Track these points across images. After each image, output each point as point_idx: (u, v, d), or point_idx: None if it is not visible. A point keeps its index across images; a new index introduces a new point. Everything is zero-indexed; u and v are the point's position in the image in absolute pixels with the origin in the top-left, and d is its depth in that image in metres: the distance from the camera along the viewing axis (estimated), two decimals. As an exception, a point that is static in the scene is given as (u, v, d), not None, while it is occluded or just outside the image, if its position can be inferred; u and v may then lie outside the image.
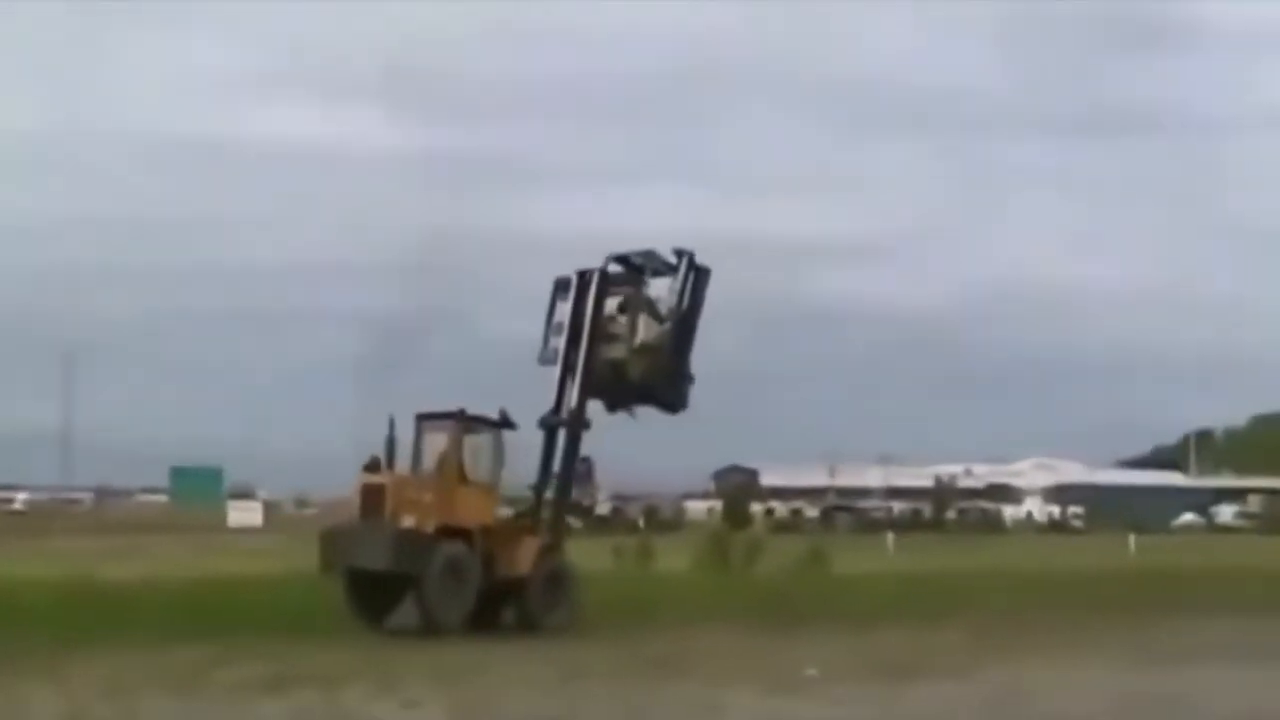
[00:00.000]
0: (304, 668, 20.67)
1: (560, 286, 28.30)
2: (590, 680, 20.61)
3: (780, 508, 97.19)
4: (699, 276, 28.20)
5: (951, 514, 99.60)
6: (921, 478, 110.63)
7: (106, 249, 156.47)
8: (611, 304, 28.02)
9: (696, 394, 28.53)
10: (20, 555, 43.54)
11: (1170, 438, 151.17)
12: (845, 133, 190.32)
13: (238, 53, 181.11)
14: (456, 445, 26.78)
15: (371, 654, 22.73)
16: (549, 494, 27.87)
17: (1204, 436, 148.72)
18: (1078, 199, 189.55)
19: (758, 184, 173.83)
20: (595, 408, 28.02)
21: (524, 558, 26.72)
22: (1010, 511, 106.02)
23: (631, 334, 27.87)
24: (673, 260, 28.14)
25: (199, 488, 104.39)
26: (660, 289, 28.41)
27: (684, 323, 28.15)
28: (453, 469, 26.65)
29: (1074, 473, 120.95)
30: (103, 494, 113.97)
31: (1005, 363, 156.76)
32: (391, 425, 26.71)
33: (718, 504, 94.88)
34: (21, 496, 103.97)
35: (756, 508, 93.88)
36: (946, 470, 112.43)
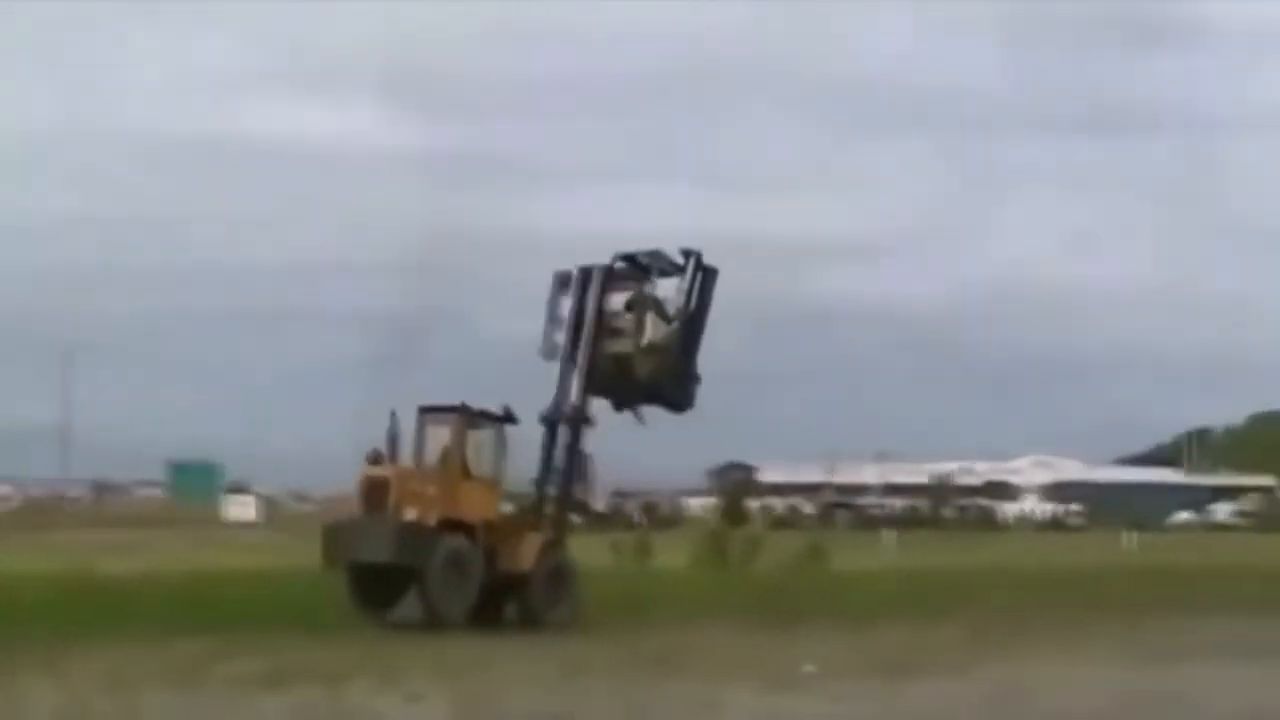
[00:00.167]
0: (305, 662, 20.69)
1: (561, 280, 28.33)
2: (591, 676, 20.64)
3: (778, 504, 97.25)
4: (706, 277, 28.25)
5: (950, 511, 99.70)
6: (919, 475, 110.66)
7: (105, 248, 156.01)
8: (617, 300, 28.08)
9: (697, 391, 28.59)
10: (18, 549, 43.57)
11: (1168, 436, 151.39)
12: (844, 132, 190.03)
13: (237, 51, 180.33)
14: (459, 439, 26.83)
15: (373, 648, 22.74)
16: (551, 489, 27.88)
17: (1202, 435, 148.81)
18: (1077, 198, 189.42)
19: (757, 183, 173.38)
20: (599, 404, 28.06)
21: (526, 553, 26.74)
22: (1008, 509, 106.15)
23: (639, 332, 27.91)
24: (680, 260, 28.18)
25: (196, 483, 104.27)
26: (666, 288, 28.47)
27: (692, 322, 28.20)
28: (455, 463, 26.70)
29: (1072, 470, 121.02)
30: (100, 489, 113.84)
31: (1004, 361, 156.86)
32: (394, 418, 26.76)
33: (716, 501, 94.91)
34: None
35: (755, 505, 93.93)
36: (945, 468, 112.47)
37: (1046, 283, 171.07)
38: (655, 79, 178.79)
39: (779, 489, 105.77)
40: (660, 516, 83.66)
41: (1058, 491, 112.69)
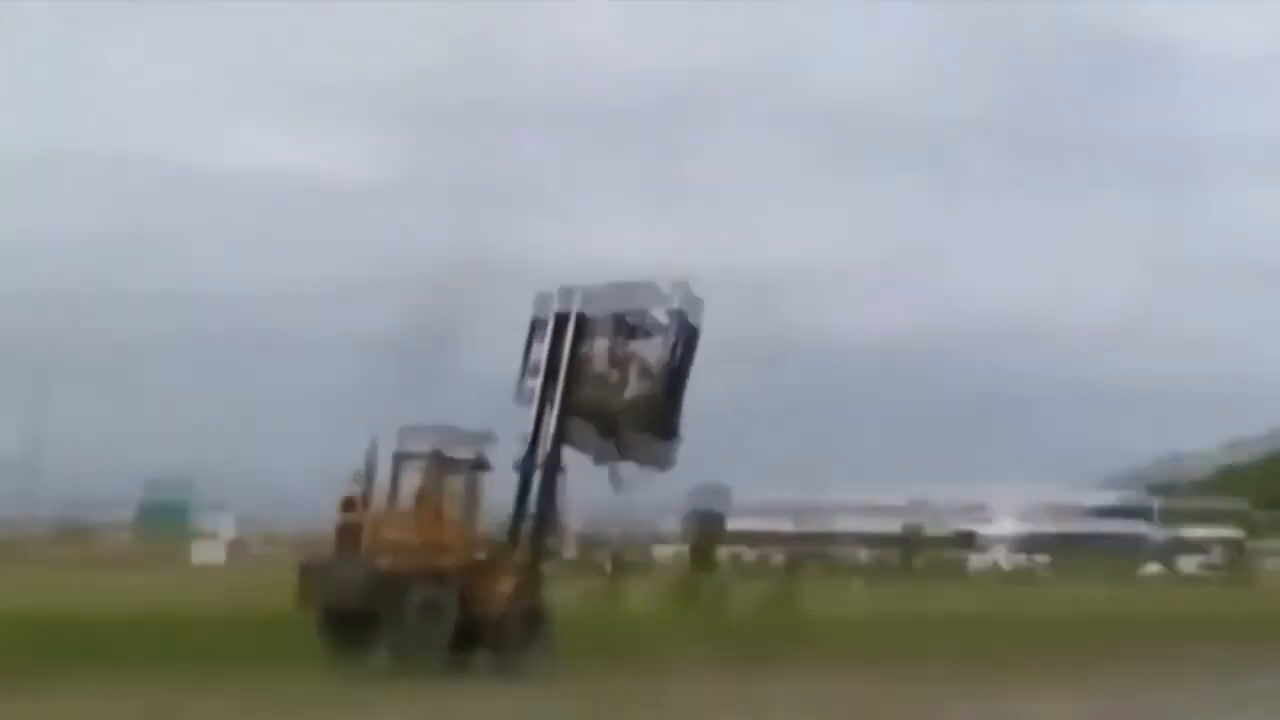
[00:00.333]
0: (275, 702, 20.69)
1: (537, 326, 28.48)
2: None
3: (747, 552, 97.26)
4: (689, 336, 28.38)
5: (919, 560, 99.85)
6: (890, 523, 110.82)
7: (78, 273, 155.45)
8: (599, 353, 28.11)
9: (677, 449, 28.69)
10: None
11: (1137, 487, 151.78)
12: (822, 164, 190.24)
13: (216, 75, 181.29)
14: (434, 483, 26.89)
15: (344, 690, 22.75)
16: (523, 533, 27.94)
17: (1169, 486, 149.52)
18: (1054, 236, 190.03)
19: (736, 216, 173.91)
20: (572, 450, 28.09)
21: (500, 597, 26.81)
22: (977, 558, 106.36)
23: (622, 387, 27.99)
24: (663, 320, 28.29)
25: (165, 522, 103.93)
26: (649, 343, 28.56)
27: (674, 380, 28.32)
28: (430, 507, 26.77)
29: (1041, 520, 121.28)
30: (68, 527, 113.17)
31: (971, 402, 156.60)
32: (368, 460, 26.83)
33: (685, 547, 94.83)
34: None
35: (724, 551, 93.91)
36: (914, 516, 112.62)
37: (1021, 320, 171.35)
38: (640, 110, 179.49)
39: (748, 535, 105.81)
40: (630, 561, 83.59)
41: (1026, 542, 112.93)
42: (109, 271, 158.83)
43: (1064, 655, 32.35)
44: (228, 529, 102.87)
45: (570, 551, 78.20)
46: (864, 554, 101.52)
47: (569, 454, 28.20)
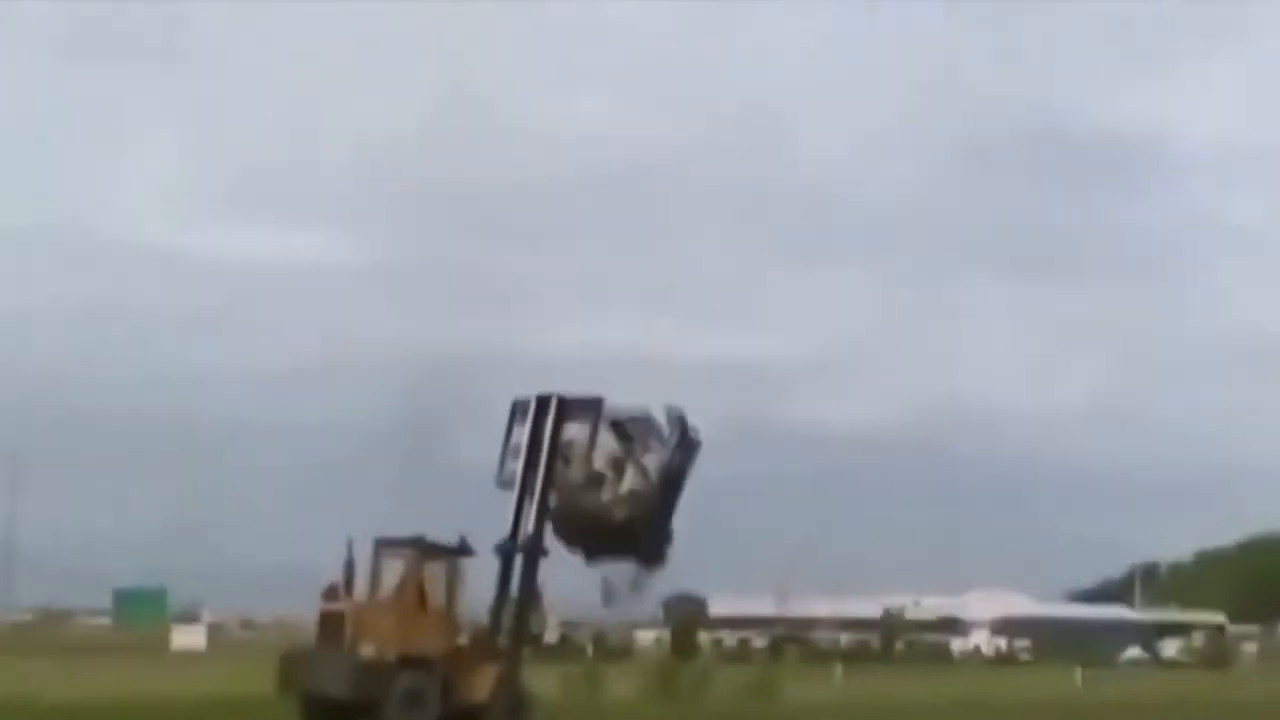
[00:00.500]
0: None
1: (518, 410, 28.60)
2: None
3: (728, 637, 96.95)
4: (690, 445, 28.57)
5: (900, 645, 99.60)
6: (870, 608, 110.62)
7: (51, 356, 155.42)
8: (573, 430, 28.19)
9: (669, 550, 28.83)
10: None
11: (1117, 571, 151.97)
12: (799, 255, 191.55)
13: (198, 166, 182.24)
14: (415, 572, 26.95)
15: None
16: (505, 619, 27.96)
17: (1150, 570, 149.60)
18: (1029, 326, 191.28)
19: (711, 307, 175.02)
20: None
21: (482, 685, 26.85)
22: (958, 644, 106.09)
23: (618, 483, 28.09)
24: (664, 429, 28.46)
25: (143, 609, 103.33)
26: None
27: (672, 484, 28.47)
28: (412, 596, 26.83)
29: (1021, 605, 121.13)
30: (46, 615, 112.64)
31: (951, 493, 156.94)
32: (350, 550, 26.92)
33: (666, 632, 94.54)
34: None
35: (705, 637, 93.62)
36: (895, 601, 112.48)
37: (996, 412, 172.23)
38: (610, 200, 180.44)
39: (729, 621, 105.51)
40: (610, 647, 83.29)
41: (1006, 626, 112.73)
42: (83, 354, 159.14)
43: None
44: (206, 614, 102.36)
45: (552, 635, 78.11)
46: (844, 638, 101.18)
47: (550, 539, 28.26)
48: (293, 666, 26.79)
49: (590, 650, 79.99)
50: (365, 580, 27.24)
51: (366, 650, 26.10)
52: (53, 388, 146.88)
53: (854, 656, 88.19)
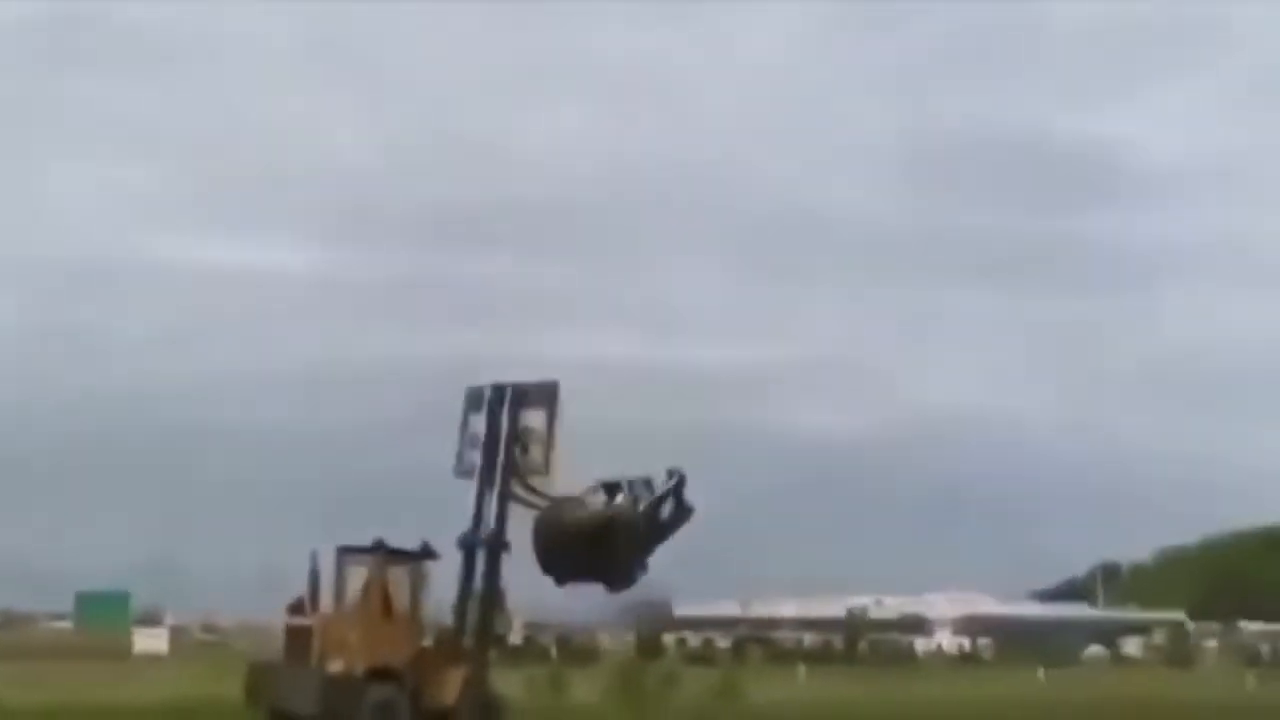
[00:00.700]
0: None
1: (472, 398, 28.15)
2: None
3: (692, 638, 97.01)
4: (683, 509, 28.37)
5: (863, 645, 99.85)
6: (834, 609, 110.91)
7: (12, 369, 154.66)
8: (530, 418, 27.75)
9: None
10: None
11: (1079, 570, 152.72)
12: (766, 267, 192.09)
13: (162, 174, 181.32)
14: (379, 579, 26.73)
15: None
16: (469, 619, 27.63)
17: (1111, 569, 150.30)
18: (993, 335, 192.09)
19: (678, 317, 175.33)
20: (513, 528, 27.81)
21: (450, 688, 26.65)
22: (921, 643, 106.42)
23: (608, 503, 27.72)
24: (658, 488, 28.19)
25: (105, 613, 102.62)
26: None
27: (657, 531, 28.14)
28: (377, 604, 26.59)
29: (984, 604, 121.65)
30: (7, 619, 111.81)
31: (916, 495, 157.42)
32: (314, 561, 26.71)
33: (630, 634, 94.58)
34: None
35: (669, 638, 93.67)
36: (858, 601, 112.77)
37: (959, 417, 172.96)
38: (579, 210, 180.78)
39: (693, 622, 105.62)
40: (574, 650, 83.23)
41: (969, 625, 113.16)
42: (43, 366, 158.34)
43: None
44: (169, 618, 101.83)
45: (516, 637, 77.97)
46: (807, 638, 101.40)
47: (514, 530, 27.82)
48: (260, 680, 26.54)
49: (554, 652, 79.90)
50: (330, 591, 26.98)
51: (334, 666, 25.87)
52: (14, 395, 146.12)
53: (818, 657, 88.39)
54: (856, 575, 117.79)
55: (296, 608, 26.71)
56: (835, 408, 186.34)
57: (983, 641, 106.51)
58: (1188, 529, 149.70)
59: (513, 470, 27.59)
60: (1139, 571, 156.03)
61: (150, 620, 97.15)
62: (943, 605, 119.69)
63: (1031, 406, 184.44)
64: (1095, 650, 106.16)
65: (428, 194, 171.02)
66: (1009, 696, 47.30)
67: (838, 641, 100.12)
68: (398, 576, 27.05)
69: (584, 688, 40.62)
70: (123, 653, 77.16)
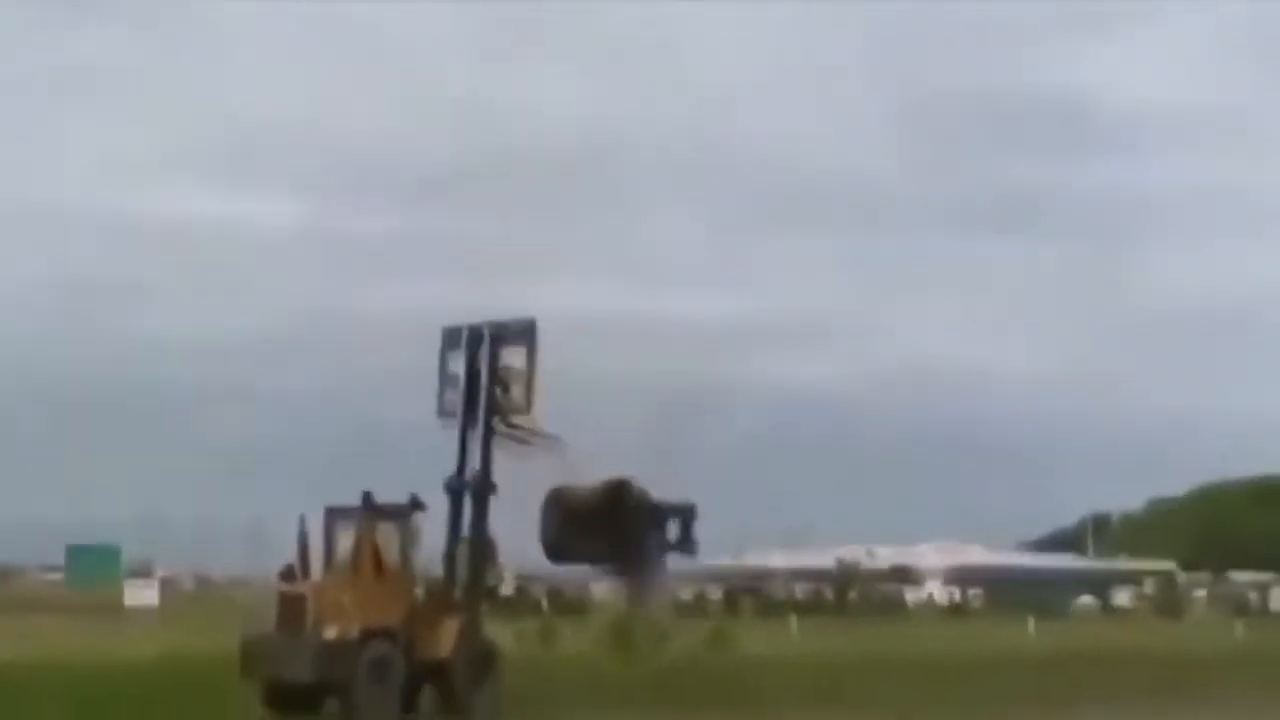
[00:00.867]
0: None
1: (450, 338, 27.56)
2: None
3: (684, 590, 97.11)
4: (690, 542, 28.16)
5: (853, 596, 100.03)
6: (824, 560, 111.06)
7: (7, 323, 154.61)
8: (509, 356, 27.27)
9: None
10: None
11: (1069, 521, 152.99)
12: (752, 219, 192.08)
13: (147, 131, 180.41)
14: (368, 536, 26.44)
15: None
16: (460, 569, 27.33)
17: (1101, 520, 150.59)
18: (981, 286, 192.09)
19: (665, 269, 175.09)
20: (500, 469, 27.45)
21: (444, 640, 26.33)
22: (911, 594, 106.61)
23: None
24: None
25: (96, 566, 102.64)
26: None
27: (658, 544, 27.86)
28: (367, 563, 26.27)
29: (975, 555, 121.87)
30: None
31: (907, 446, 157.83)
32: (302, 525, 26.45)
33: (623, 584, 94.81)
34: None
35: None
36: (849, 552, 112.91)
37: (949, 368, 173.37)
38: (564, 164, 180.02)
39: (684, 574, 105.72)
40: (566, 601, 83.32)
41: (960, 576, 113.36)
42: (34, 320, 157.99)
43: (1005, 695, 32.42)
44: (159, 570, 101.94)
45: (508, 589, 77.99)
46: (799, 590, 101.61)
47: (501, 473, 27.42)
48: (254, 651, 26.17)
49: (546, 604, 79.98)
50: (320, 554, 26.66)
51: (330, 632, 25.54)
52: (5, 350, 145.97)
53: (809, 608, 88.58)
54: (848, 526, 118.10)
55: (288, 574, 26.43)
56: (825, 359, 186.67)
57: (973, 592, 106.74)
58: (1178, 479, 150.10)
59: (495, 410, 27.09)
60: (1129, 522, 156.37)
61: (141, 573, 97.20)
62: (933, 556, 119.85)
63: (1021, 357, 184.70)
64: (1085, 600, 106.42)
65: (420, 151, 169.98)
66: (1003, 649, 47.29)
67: (828, 592, 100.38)
68: (387, 532, 26.68)
69: (575, 640, 40.64)
70: (114, 605, 77.13)
